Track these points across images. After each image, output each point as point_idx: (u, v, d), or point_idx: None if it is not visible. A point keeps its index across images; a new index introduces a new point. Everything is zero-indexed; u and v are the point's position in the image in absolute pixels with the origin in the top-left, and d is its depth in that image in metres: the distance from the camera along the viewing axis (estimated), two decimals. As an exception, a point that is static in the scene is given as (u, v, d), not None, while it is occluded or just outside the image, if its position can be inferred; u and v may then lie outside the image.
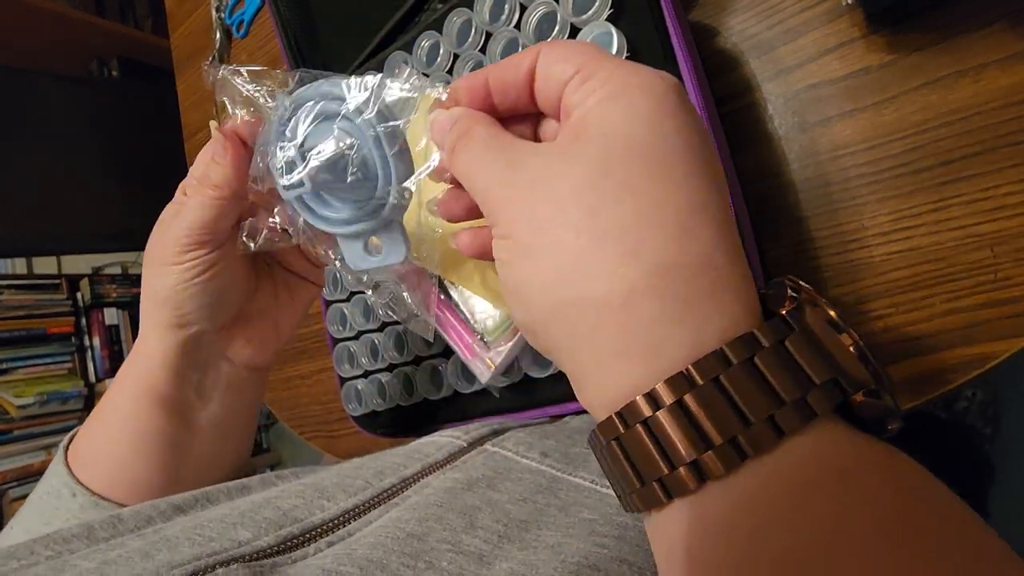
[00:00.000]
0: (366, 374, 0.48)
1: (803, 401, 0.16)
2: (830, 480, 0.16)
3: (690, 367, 0.17)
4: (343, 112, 0.27)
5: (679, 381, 0.17)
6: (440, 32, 0.41)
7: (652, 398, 0.17)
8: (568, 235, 0.19)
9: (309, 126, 0.28)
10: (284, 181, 0.28)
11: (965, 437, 0.80)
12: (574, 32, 0.35)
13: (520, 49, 0.37)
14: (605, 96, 0.20)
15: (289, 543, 0.25)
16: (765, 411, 0.16)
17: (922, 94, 0.32)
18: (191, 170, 0.33)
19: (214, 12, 0.71)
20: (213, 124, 0.32)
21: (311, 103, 0.28)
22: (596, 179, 0.19)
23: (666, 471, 0.17)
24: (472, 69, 0.40)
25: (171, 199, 0.34)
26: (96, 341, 1.86)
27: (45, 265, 1.95)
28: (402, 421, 0.46)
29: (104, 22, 1.78)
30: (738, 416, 0.16)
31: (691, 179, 0.19)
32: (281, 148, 0.28)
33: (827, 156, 0.35)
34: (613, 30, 0.33)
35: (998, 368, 0.31)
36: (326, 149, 0.27)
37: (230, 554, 0.23)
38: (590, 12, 0.34)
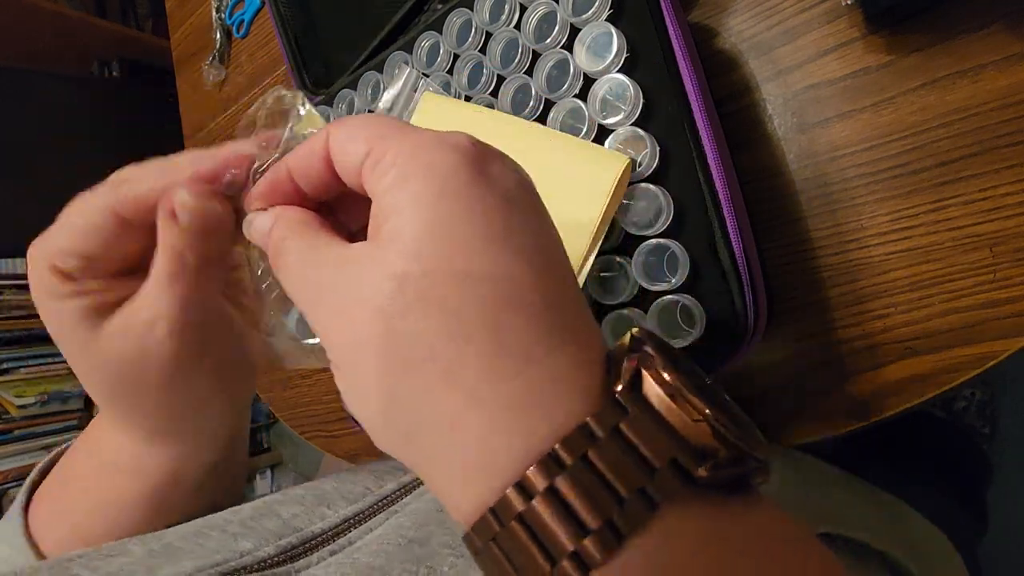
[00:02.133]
0: (366, 374, 0.48)
1: (642, 493, 0.15)
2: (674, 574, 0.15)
3: (528, 473, 0.16)
4: None
5: (520, 490, 0.16)
6: (440, 32, 0.41)
7: (496, 513, 0.16)
8: (380, 368, 0.17)
9: None
10: None
11: (964, 437, 0.80)
12: (574, 32, 0.35)
13: (520, 50, 0.37)
14: (392, 184, 0.18)
15: (291, 553, 0.25)
16: (604, 513, 0.15)
17: (920, 95, 0.32)
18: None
19: (214, 12, 0.71)
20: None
21: None
22: (394, 292, 0.17)
23: None
24: (472, 69, 0.40)
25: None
26: (96, 341, 1.86)
27: (45, 265, 1.95)
28: (402, 421, 0.46)
29: (105, 23, 1.78)
30: (578, 523, 0.15)
31: (493, 270, 0.17)
32: None
33: (826, 156, 0.35)
34: (613, 30, 0.33)
35: (997, 368, 0.31)
36: None
37: (232, 565, 0.23)
38: (590, 12, 0.34)
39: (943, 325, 0.32)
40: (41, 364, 1.76)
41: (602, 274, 0.34)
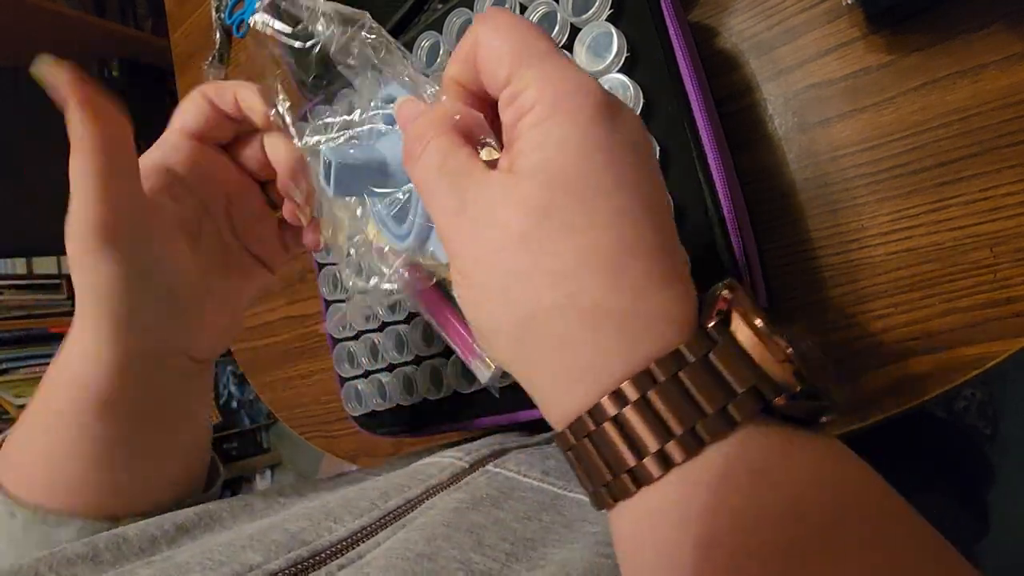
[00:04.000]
0: (366, 374, 0.48)
1: (723, 410, 0.18)
2: (745, 478, 0.18)
3: (623, 385, 0.19)
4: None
5: (616, 398, 0.19)
6: (440, 32, 0.41)
7: (593, 415, 0.19)
8: (517, 280, 0.20)
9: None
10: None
11: (965, 437, 0.80)
12: (574, 32, 0.35)
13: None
14: (534, 122, 0.20)
15: (300, 566, 0.25)
16: (688, 422, 0.18)
17: (921, 94, 0.32)
18: None
19: (214, 12, 0.71)
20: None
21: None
22: (539, 220, 0.20)
23: (609, 478, 0.19)
24: (472, 69, 0.40)
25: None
26: (96, 341, 1.85)
27: (45, 265, 1.95)
28: (402, 421, 0.46)
29: (104, 22, 1.78)
30: (664, 428, 0.18)
31: (623, 215, 0.20)
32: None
33: (826, 156, 0.35)
34: (613, 30, 0.33)
35: (998, 368, 0.31)
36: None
37: None
38: (590, 12, 0.34)
39: (944, 325, 0.32)
40: (40, 364, 1.76)
41: (602, 274, 0.34)
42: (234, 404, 1.92)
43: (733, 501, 0.17)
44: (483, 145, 0.23)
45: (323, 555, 0.25)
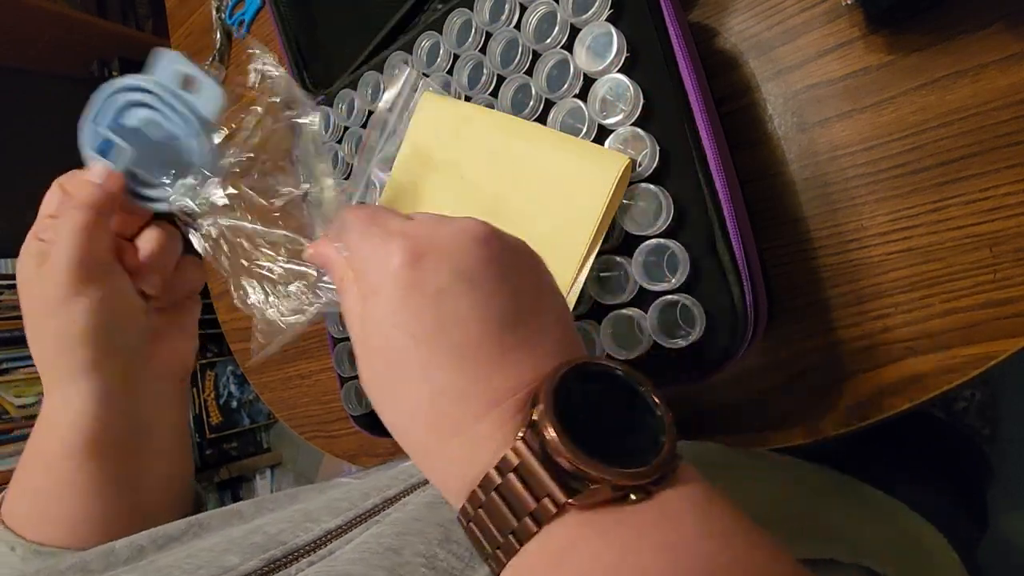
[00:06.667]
0: (366, 374, 0.48)
1: (535, 514, 0.19)
2: (551, 570, 0.19)
3: (475, 489, 0.21)
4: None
5: (474, 498, 0.21)
6: (440, 32, 0.41)
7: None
8: (371, 378, 0.24)
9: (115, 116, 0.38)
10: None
11: (964, 438, 0.80)
12: (574, 32, 0.35)
13: (520, 50, 0.37)
14: (362, 296, 0.24)
15: (272, 565, 0.25)
16: (508, 528, 0.20)
17: (921, 94, 0.32)
18: None
19: (214, 12, 0.71)
20: None
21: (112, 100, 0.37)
22: (381, 366, 0.24)
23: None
24: (472, 69, 0.40)
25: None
26: (96, 341, 1.85)
27: (45, 265, 1.95)
28: (402, 421, 0.46)
29: (105, 23, 1.78)
30: (498, 531, 0.20)
31: (423, 370, 0.22)
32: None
33: (826, 156, 0.35)
34: (613, 30, 0.33)
35: (997, 368, 0.31)
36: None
37: None
38: (590, 12, 0.34)
39: (943, 325, 0.32)
40: (41, 364, 1.76)
41: (602, 274, 0.34)
42: (234, 404, 1.92)
43: None
44: None
45: (295, 554, 0.26)
